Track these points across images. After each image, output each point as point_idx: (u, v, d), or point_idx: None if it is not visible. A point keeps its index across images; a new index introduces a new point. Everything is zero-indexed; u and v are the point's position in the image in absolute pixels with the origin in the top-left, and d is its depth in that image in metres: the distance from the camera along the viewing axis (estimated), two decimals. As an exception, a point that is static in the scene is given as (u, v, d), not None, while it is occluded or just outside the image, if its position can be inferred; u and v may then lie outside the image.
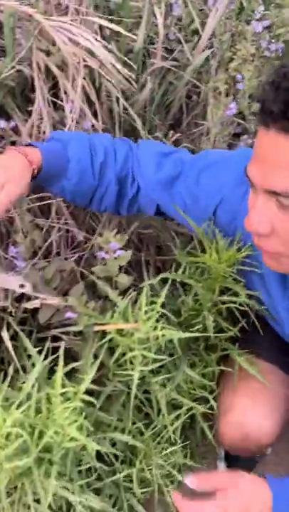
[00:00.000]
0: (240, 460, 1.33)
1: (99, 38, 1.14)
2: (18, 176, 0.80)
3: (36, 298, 0.91)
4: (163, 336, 0.83)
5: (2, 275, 0.82)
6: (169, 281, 0.91)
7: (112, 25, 1.18)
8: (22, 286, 0.83)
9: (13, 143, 1.20)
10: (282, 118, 0.62)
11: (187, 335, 0.84)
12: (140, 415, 0.98)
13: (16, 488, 0.81)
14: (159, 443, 0.97)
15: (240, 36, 1.40)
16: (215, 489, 0.75)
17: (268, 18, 1.42)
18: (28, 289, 0.83)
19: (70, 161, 0.90)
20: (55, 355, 0.81)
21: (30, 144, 0.90)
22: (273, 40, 1.38)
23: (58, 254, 1.23)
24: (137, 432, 0.95)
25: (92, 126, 1.23)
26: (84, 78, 1.19)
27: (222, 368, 1.02)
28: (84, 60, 1.15)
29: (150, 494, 0.97)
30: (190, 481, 0.76)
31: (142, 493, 0.95)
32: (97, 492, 0.91)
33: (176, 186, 0.95)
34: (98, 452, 0.85)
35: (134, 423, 0.94)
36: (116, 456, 0.95)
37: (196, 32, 1.47)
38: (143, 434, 0.95)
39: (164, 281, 0.92)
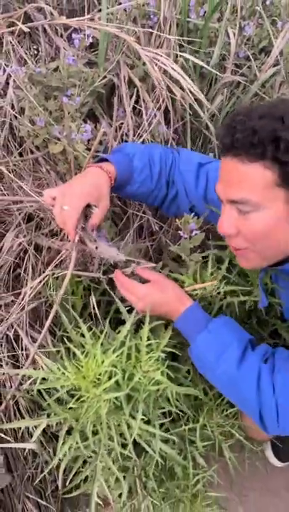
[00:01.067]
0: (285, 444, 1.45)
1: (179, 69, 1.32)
2: (106, 193, 1.02)
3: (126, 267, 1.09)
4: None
5: (103, 245, 0.99)
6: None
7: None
8: (118, 254, 1.00)
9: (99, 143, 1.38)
10: (231, 148, 0.86)
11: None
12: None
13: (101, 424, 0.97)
14: (219, 405, 1.11)
15: (304, 55, 1.54)
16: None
17: None
18: (122, 257, 1.00)
19: (134, 172, 1.12)
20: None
21: (103, 159, 1.10)
22: None
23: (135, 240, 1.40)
24: (203, 393, 1.09)
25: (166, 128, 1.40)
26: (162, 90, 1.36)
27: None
28: (167, 86, 1.33)
29: (210, 448, 1.10)
30: (134, 267, 1.05)
31: (203, 446, 1.08)
32: (166, 441, 1.06)
33: (210, 194, 1.16)
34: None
35: (201, 383, 1.09)
36: (182, 414, 1.10)
37: (263, 50, 1.63)
38: (207, 394, 1.09)
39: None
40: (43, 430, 1.00)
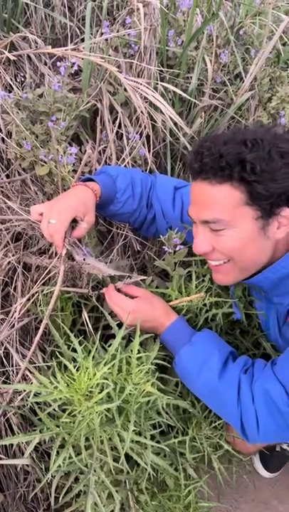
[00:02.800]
0: (273, 455, 1.47)
1: (159, 97, 1.39)
2: (92, 208, 1.06)
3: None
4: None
5: (92, 260, 1.02)
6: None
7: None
8: (106, 270, 1.04)
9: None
10: (200, 172, 0.92)
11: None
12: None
13: (93, 439, 0.99)
14: (207, 417, 1.14)
15: (277, 80, 1.63)
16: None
17: (301, 65, 1.66)
18: (111, 272, 1.03)
19: (117, 192, 1.17)
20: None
21: (88, 178, 1.15)
22: (307, 85, 1.61)
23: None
24: (191, 406, 1.11)
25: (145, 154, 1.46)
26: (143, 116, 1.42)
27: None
28: (148, 112, 1.40)
29: (200, 460, 1.12)
30: (120, 284, 1.09)
31: (193, 458, 1.10)
32: (158, 453, 1.07)
33: (185, 216, 1.22)
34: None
35: (188, 396, 1.11)
36: (172, 427, 1.12)
37: (238, 76, 1.72)
38: (195, 406, 1.12)
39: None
40: (35, 447, 1.01)
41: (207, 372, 0.99)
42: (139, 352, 0.98)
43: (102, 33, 1.48)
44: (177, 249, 1.11)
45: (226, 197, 0.90)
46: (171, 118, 1.40)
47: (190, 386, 1.04)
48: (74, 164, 1.26)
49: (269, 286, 1.01)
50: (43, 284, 1.15)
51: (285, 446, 1.46)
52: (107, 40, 1.48)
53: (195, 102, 1.59)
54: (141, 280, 1.10)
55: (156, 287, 1.18)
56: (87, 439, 0.96)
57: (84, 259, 1.00)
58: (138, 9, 1.43)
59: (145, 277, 1.09)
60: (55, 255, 1.16)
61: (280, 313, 1.06)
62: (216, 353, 1.00)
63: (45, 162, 1.27)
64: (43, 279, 1.12)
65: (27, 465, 1.08)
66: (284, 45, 1.76)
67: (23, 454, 1.09)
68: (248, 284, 1.08)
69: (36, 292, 1.11)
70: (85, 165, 1.38)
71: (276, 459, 1.50)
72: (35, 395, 0.96)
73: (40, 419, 0.99)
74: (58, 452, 0.94)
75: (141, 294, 1.08)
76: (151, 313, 1.04)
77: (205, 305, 1.09)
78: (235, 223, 0.91)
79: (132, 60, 1.45)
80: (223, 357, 1.00)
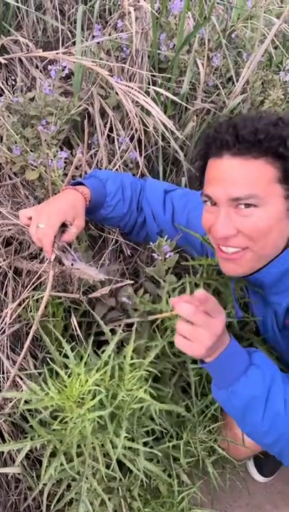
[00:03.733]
0: (267, 460, 1.46)
1: (150, 101, 1.38)
2: (81, 212, 1.04)
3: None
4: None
5: (82, 265, 1.01)
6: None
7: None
8: (97, 273, 1.03)
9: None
10: (232, 146, 0.87)
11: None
12: (187, 395, 1.14)
13: (85, 446, 0.97)
14: (202, 421, 1.13)
15: (269, 84, 1.64)
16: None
17: (293, 69, 1.66)
18: (102, 277, 1.02)
19: (107, 195, 1.16)
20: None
21: (78, 182, 1.14)
22: (298, 88, 1.62)
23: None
24: (185, 410, 1.10)
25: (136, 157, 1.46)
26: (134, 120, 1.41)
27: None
28: (139, 116, 1.39)
29: (193, 465, 1.11)
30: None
31: (187, 463, 1.09)
32: (150, 458, 1.06)
33: (176, 220, 1.21)
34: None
35: (183, 400, 1.11)
36: (166, 431, 1.11)
37: (230, 79, 1.72)
38: (190, 410, 1.11)
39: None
40: (26, 455, 0.99)
41: (274, 398, 0.86)
42: (132, 358, 0.97)
43: (93, 36, 1.48)
44: (167, 256, 1.10)
45: (261, 172, 0.86)
46: (162, 122, 1.40)
47: (251, 415, 0.87)
48: (65, 168, 1.25)
49: (271, 281, 0.97)
50: (34, 289, 1.13)
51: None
52: (99, 43, 1.47)
53: (187, 105, 1.59)
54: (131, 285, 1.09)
55: (147, 292, 1.18)
56: (79, 446, 0.95)
57: (72, 265, 0.99)
58: (129, 13, 1.42)
59: (131, 282, 1.08)
60: (46, 260, 1.15)
61: (279, 314, 1.03)
62: (276, 374, 0.88)
63: (36, 167, 1.26)
64: (33, 284, 1.11)
65: (18, 473, 1.07)
66: (276, 48, 1.76)
67: (14, 462, 1.08)
68: (250, 280, 1.02)
69: (27, 297, 1.10)
70: (76, 168, 1.38)
71: (270, 464, 1.49)
72: (26, 401, 0.95)
73: (31, 427, 0.98)
74: (49, 460, 0.93)
75: (213, 307, 0.84)
76: (209, 336, 0.82)
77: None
78: (268, 200, 0.87)
79: (124, 65, 1.44)
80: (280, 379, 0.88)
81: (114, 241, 1.38)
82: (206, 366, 0.87)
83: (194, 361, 1.12)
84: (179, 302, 0.82)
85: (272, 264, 0.94)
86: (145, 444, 1.02)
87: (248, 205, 0.87)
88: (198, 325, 0.81)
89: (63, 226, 1.00)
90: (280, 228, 0.89)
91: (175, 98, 1.44)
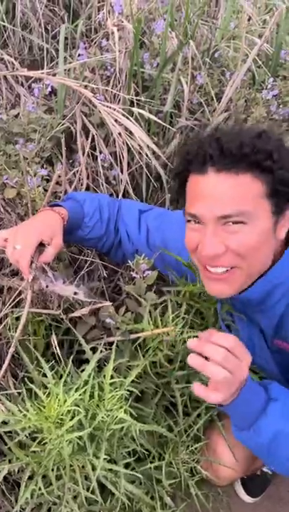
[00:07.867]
0: (254, 479, 1.44)
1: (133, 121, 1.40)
2: (59, 232, 1.03)
3: (82, 308, 1.10)
4: (189, 337, 1.00)
5: (60, 284, 1.00)
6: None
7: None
8: (75, 293, 1.02)
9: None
10: (216, 161, 0.83)
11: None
12: (169, 415, 1.13)
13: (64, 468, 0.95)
14: (184, 441, 1.11)
15: (252, 102, 1.66)
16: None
17: (275, 87, 1.69)
18: (81, 296, 1.01)
19: (85, 216, 1.15)
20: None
21: (55, 204, 1.13)
22: (281, 106, 1.64)
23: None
24: (167, 429, 1.09)
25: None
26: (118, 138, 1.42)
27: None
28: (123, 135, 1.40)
29: (176, 487, 1.09)
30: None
31: (169, 484, 1.07)
32: (133, 480, 1.04)
33: (150, 239, 1.19)
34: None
35: (165, 420, 1.09)
36: (148, 453, 1.09)
37: (214, 97, 1.74)
38: (172, 430, 1.09)
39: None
40: (4, 478, 0.97)
41: None
42: (112, 377, 0.95)
43: (79, 55, 1.49)
44: (145, 274, 1.10)
45: (249, 187, 0.83)
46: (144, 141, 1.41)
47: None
48: (45, 185, 1.25)
49: (258, 299, 0.93)
50: (16, 306, 1.12)
51: (265, 469, 1.44)
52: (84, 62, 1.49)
53: (172, 122, 1.60)
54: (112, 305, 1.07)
55: (129, 310, 1.17)
56: (58, 469, 0.93)
57: (47, 286, 0.98)
58: (113, 33, 1.44)
59: (110, 303, 1.07)
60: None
61: (266, 332, 1.00)
62: None
63: (13, 185, 1.26)
64: (14, 300, 1.09)
65: (-3, 497, 1.04)
66: (258, 67, 1.80)
67: (-8, 485, 1.05)
68: (237, 299, 0.97)
69: (6, 315, 1.08)
70: (59, 184, 1.38)
71: (258, 483, 1.47)
72: (4, 422, 0.93)
73: (9, 449, 0.96)
74: (27, 484, 0.91)
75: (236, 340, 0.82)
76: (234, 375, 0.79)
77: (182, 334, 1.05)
78: (256, 216, 0.83)
79: (107, 87, 1.46)
80: None
81: (90, 262, 1.37)
82: (224, 409, 0.84)
83: (179, 381, 1.11)
84: (202, 345, 0.77)
85: (260, 281, 0.91)
86: (127, 465, 1.00)
87: (236, 222, 0.83)
88: (229, 370, 0.77)
89: (41, 246, 0.99)
90: (268, 244, 0.87)
91: (156, 119, 1.45)
